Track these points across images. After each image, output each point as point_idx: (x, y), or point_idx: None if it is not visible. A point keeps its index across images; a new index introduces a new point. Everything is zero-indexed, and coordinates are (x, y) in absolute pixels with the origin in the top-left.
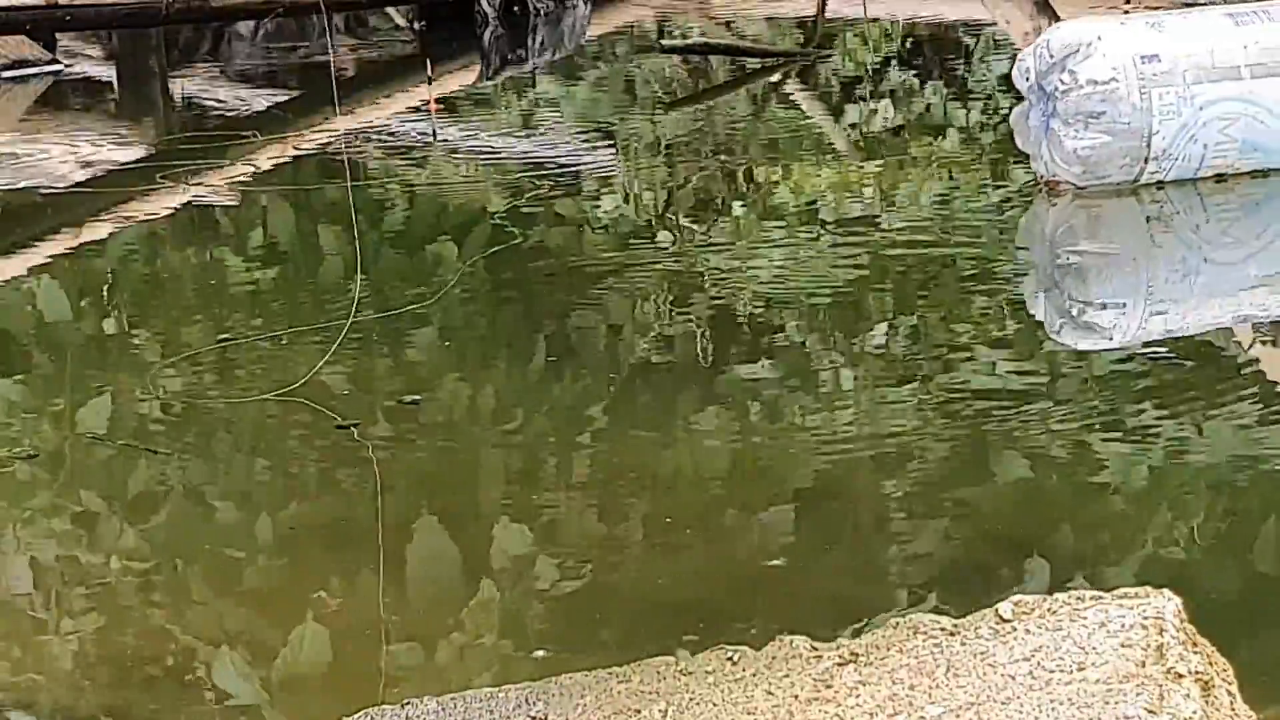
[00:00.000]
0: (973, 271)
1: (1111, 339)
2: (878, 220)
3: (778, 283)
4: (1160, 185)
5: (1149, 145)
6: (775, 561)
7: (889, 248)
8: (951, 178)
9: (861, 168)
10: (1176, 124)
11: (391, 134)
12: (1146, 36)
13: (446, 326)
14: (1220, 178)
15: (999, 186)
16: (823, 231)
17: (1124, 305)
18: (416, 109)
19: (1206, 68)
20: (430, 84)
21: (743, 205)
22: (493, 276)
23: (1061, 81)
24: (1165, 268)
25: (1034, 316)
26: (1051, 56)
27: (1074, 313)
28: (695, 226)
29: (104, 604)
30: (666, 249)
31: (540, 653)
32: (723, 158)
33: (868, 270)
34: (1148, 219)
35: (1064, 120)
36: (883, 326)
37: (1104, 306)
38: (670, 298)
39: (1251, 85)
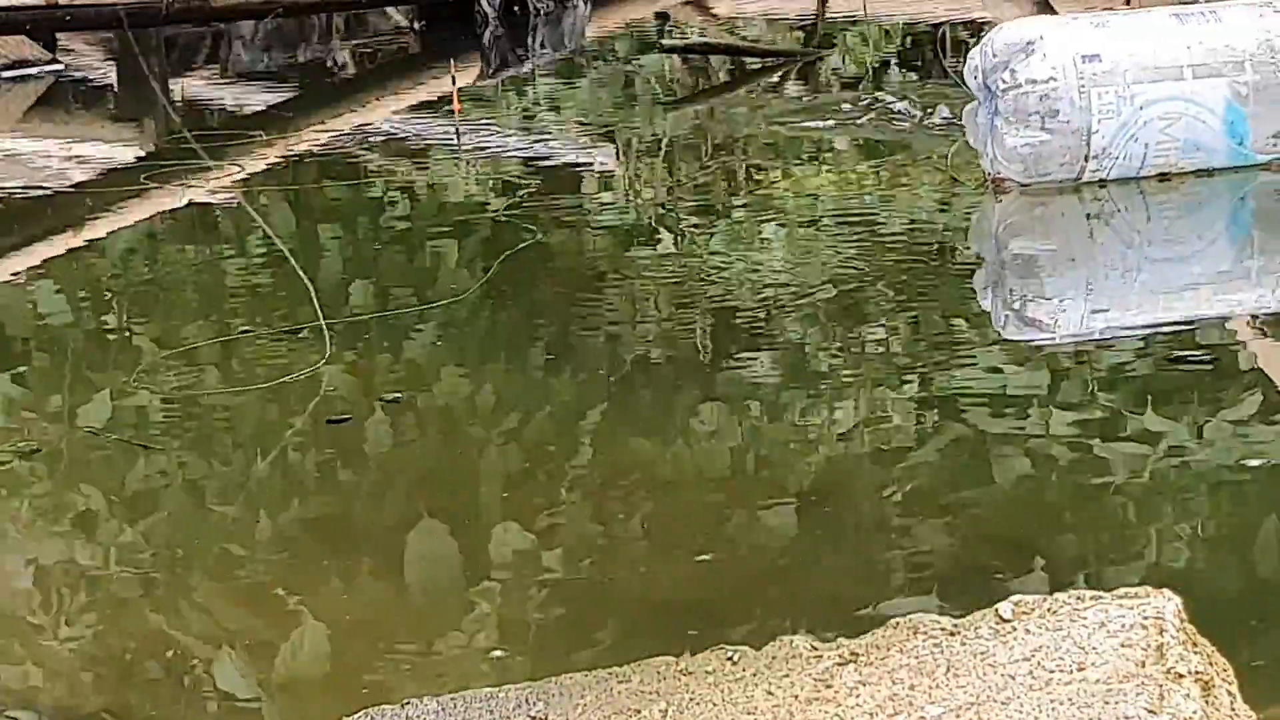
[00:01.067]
0: (906, 264)
1: (1054, 334)
2: (823, 216)
3: (718, 274)
4: (1103, 183)
5: (1089, 144)
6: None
7: (832, 244)
8: (907, 175)
9: (822, 162)
10: (1116, 123)
11: (392, 133)
12: (1089, 36)
13: (450, 326)
14: (1164, 176)
15: (953, 183)
16: (776, 225)
17: (1064, 301)
18: (416, 109)
19: (1148, 67)
20: (454, 83)
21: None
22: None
23: (1003, 80)
24: (1104, 265)
25: (970, 314)
26: (995, 55)
27: (1015, 307)
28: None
29: (82, 598)
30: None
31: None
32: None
33: (811, 264)
34: (1088, 216)
35: (1006, 118)
36: (823, 321)
37: (1044, 301)
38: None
39: (1194, 85)
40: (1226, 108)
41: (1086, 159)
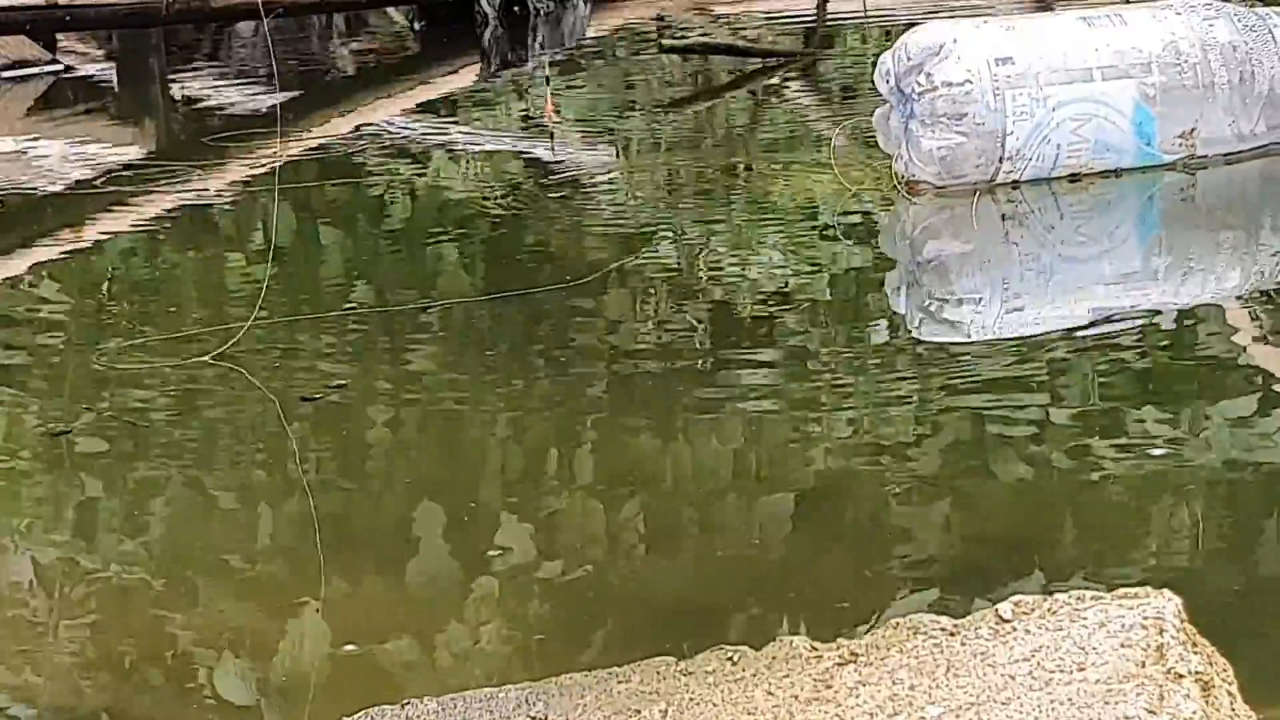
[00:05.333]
0: (809, 270)
1: (969, 335)
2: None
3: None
4: (1016, 184)
5: (1003, 145)
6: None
7: (742, 246)
8: (816, 179)
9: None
10: (1030, 125)
11: (393, 133)
12: (1001, 39)
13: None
14: (1074, 177)
15: (869, 186)
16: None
17: (979, 301)
18: (420, 110)
19: (1059, 69)
20: (548, 84)
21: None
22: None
23: (918, 83)
24: (1019, 265)
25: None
26: (909, 59)
27: (931, 309)
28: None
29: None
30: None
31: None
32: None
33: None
34: (1003, 217)
35: (921, 121)
36: (740, 318)
37: (960, 303)
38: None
39: (1103, 87)
40: (1135, 109)
41: (1001, 161)
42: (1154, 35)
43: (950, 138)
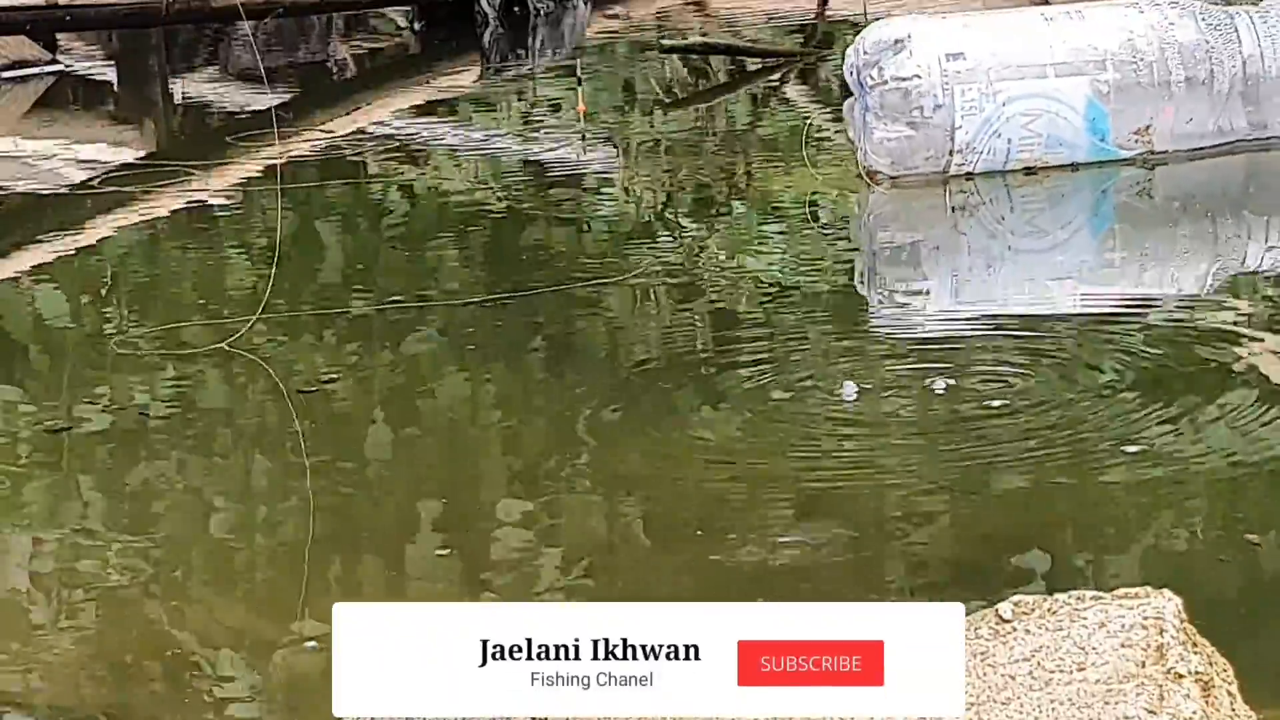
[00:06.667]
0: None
1: (922, 321)
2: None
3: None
4: (970, 176)
5: (953, 139)
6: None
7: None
8: (789, 170)
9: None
10: (979, 119)
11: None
12: (956, 35)
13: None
14: (1029, 170)
15: (833, 176)
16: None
17: (927, 291)
18: (423, 109)
19: (1011, 65)
20: (580, 84)
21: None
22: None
23: (871, 77)
24: (966, 255)
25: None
26: (866, 53)
27: (880, 298)
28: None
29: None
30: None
31: None
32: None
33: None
34: (952, 209)
35: (875, 113)
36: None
37: (908, 291)
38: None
39: (1056, 83)
40: (1087, 105)
41: (951, 153)
42: (1112, 33)
43: (900, 130)
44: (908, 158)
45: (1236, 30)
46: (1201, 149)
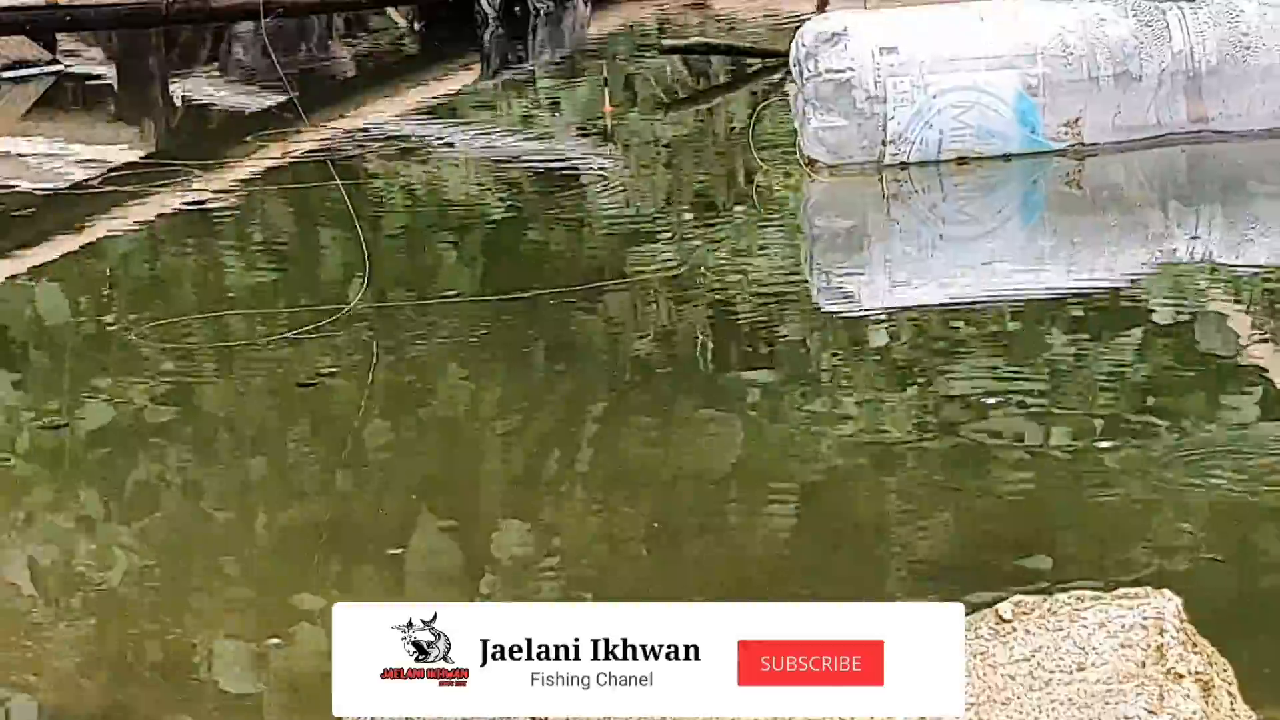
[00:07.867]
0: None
1: (861, 305)
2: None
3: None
4: (904, 166)
5: (885, 129)
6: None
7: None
8: (730, 160)
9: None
10: (910, 110)
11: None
12: (890, 29)
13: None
14: (962, 160)
15: (776, 164)
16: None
17: (863, 276)
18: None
19: (943, 59)
20: (606, 85)
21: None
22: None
23: (808, 68)
24: (899, 242)
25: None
26: (805, 45)
27: (818, 284)
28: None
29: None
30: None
31: None
32: None
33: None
34: (885, 197)
35: (811, 104)
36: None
37: (845, 276)
38: None
39: (987, 76)
40: (1017, 98)
41: (884, 143)
42: (1044, 28)
43: (835, 120)
44: (843, 147)
45: (1168, 25)
46: (1130, 141)
